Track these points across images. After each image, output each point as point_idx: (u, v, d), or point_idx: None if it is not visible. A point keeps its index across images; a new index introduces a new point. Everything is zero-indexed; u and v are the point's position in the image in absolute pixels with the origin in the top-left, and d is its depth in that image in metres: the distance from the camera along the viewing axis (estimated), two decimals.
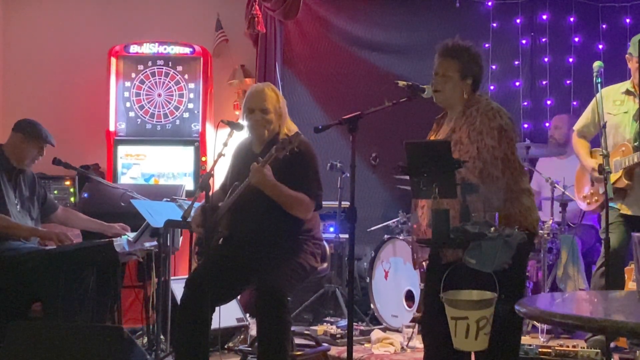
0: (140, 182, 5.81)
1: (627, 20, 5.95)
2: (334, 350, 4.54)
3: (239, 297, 4.71)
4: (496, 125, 3.10)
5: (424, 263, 3.49)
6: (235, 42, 6.28)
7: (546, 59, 6.13)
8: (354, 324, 4.60)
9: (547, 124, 5.98)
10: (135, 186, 5.28)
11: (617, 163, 4.28)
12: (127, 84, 6.00)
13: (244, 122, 3.78)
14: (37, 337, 3.56)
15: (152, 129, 5.98)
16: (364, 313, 5.42)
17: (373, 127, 5.11)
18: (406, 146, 3.00)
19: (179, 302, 3.70)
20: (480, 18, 6.18)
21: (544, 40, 6.14)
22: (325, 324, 5.14)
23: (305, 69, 6.40)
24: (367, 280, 5.46)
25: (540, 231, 4.80)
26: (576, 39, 6.09)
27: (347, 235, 3.47)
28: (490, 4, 6.18)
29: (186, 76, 6.01)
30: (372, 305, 5.37)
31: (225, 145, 3.52)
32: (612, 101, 4.42)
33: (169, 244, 4.42)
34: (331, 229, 5.68)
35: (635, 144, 4.24)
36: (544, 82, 6.13)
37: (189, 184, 5.77)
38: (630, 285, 4.17)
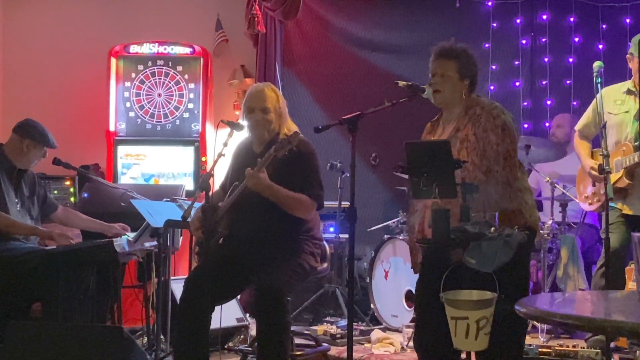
0: (140, 182, 5.81)
1: (627, 20, 5.94)
2: (334, 350, 4.54)
3: (239, 297, 4.72)
4: (500, 122, 3.16)
5: None
6: (235, 42, 6.28)
7: (546, 59, 6.12)
8: (354, 324, 4.59)
9: (547, 124, 5.98)
10: (135, 186, 5.28)
11: (618, 163, 4.28)
12: (127, 84, 5.99)
13: (244, 122, 3.77)
14: (37, 337, 3.55)
15: (152, 129, 5.98)
16: (364, 313, 5.41)
17: (373, 127, 5.11)
18: (406, 146, 3.01)
19: (178, 302, 3.70)
20: (480, 18, 6.18)
21: (544, 40, 6.13)
22: (325, 324, 5.13)
23: (305, 69, 6.39)
24: (367, 280, 5.45)
25: (540, 231, 4.79)
26: (576, 39, 6.08)
27: (347, 235, 3.46)
28: (490, 4, 6.17)
29: (186, 76, 6.01)
30: (372, 305, 5.36)
31: (225, 145, 3.51)
32: (613, 101, 4.42)
33: (169, 244, 4.42)
34: (331, 229, 5.67)
35: (636, 143, 4.23)
36: (544, 82, 6.12)
37: (189, 184, 5.77)
38: (631, 285, 4.16)
